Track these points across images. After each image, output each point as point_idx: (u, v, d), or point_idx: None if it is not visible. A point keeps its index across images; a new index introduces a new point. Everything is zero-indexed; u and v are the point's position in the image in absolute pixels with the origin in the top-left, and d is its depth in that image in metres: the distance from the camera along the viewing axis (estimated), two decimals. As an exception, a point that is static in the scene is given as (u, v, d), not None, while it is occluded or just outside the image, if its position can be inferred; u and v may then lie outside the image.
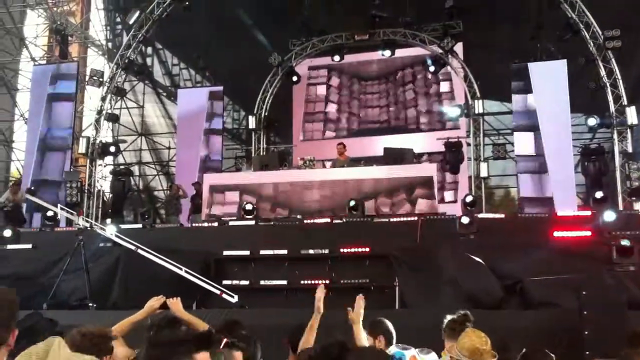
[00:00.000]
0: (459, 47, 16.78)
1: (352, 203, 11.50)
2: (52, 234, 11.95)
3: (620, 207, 12.11)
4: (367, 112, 19.13)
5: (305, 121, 19.29)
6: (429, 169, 12.61)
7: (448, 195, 16.50)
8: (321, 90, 19.42)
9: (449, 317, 4.71)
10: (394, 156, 13.10)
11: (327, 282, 10.23)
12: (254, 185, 12.82)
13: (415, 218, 10.65)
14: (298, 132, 18.91)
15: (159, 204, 17.57)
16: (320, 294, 4.68)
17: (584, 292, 7.38)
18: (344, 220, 11.26)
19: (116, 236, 10.58)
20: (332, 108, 19.30)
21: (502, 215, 11.44)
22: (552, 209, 12.09)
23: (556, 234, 9.36)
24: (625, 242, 8.67)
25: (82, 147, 15.55)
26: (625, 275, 8.39)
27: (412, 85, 18.77)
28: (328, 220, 11.48)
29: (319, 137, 18.92)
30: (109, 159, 16.79)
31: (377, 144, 16.25)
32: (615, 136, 13.40)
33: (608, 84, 13.52)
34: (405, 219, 11.00)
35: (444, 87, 18.34)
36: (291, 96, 19.09)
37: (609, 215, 9.50)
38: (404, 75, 18.88)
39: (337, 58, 17.75)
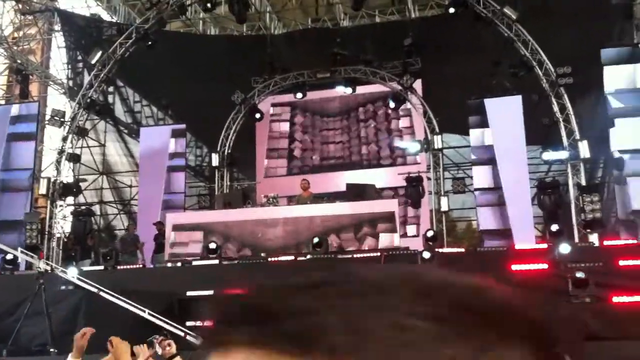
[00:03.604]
0: (417, 84, 17.21)
1: (316, 240, 11.61)
2: (12, 277, 11.76)
3: (576, 240, 12.44)
4: (329, 148, 19.39)
5: (268, 157, 19.41)
6: (390, 204, 12.80)
7: (410, 229, 16.66)
8: (284, 127, 19.60)
9: None
10: (356, 192, 13.31)
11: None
12: (219, 225, 12.86)
13: (378, 254, 10.79)
14: (262, 169, 19.01)
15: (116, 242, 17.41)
16: None
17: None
18: (308, 258, 11.33)
19: (77, 279, 10.48)
20: (296, 145, 19.49)
21: (462, 250, 11.66)
22: (510, 242, 12.35)
23: (514, 267, 9.59)
24: (580, 274, 8.92)
25: (42, 188, 15.37)
26: (582, 307, 8.62)
27: (373, 121, 19.09)
28: (292, 257, 11.56)
29: (283, 174, 19.03)
30: (69, 199, 16.60)
31: (340, 180, 16.45)
32: (569, 170, 13.79)
33: (561, 119, 13.96)
34: (368, 254, 11.13)
35: (404, 122, 18.66)
36: (254, 133, 19.20)
37: (564, 248, 9.78)
38: (365, 112, 19.19)
39: (299, 95, 18.04)
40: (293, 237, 12.55)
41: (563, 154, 13.70)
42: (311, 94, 18.48)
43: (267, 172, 19.11)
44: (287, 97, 18.80)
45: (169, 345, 4.27)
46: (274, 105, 19.43)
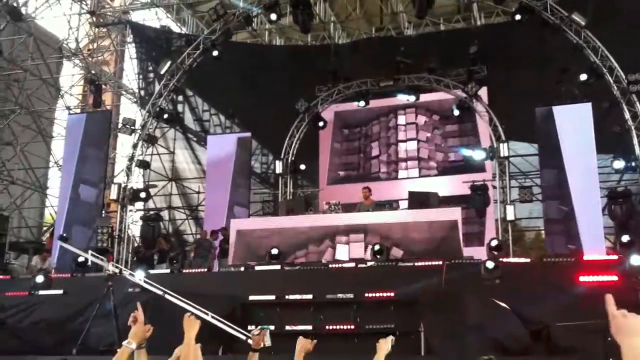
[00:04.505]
0: (483, 91, 16.97)
1: (377, 247, 11.57)
2: (83, 279, 12.22)
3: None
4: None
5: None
6: (454, 213, 12.62)
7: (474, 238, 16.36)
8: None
9: None
10: (419, 200, 13.20)
11: (352, 327, 10.32)
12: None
13: (440, 262, 10.65)
14: (324, 176, 19.07)
15: (188, 246, 17.81)
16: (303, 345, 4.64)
17: (609, 338, 7.29)
18: (369, 265, 11.31)
19: (144, 281, 10.76)
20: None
21: (528, 260, 11.38)
22: (579, 253, 11.98)
23: (582, 278, 9.30)
24: (652, 287, 8.57)
25: (113, 194, 15.90)
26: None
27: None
28: (353, 264, 11.57)
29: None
30: (139, 204, 17.11)
31: (403, 188, 16.38)
32: (641, 179, 13.31)
33: (633, 127, 13.47)
34: (430, 262, 11.00)
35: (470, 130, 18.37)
36: (317, 141, 19.30)
37: (636, 260, 9.41)
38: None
39: (362, 103, 18.08)
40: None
41: (634, 163, 13.21)
42: (374, 102, 18.48)
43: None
44: (352, 106, 18.78)
45: (260, 340, 4.44)
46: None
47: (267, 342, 4.55)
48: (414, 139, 18.82)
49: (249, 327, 10.48)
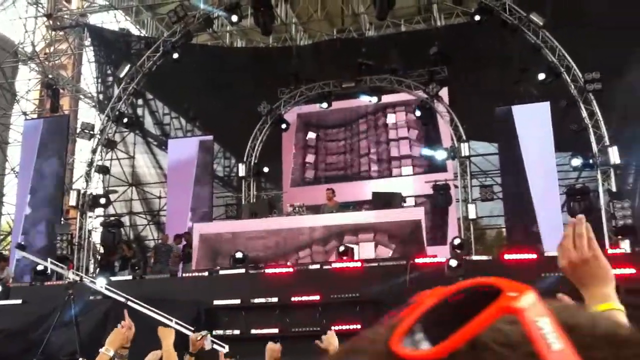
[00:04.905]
0: (444, 92, 17.13)
1: (342, 248, 11.59)
2: (42, 288, 11.96)
3: (607, 247, 12.18)
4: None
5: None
6: (417, 213, 12.72)
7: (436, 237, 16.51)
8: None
9: None
10: (382, 200, 13.26)
11: (318, 329, 10.30)
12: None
13: (404, 262, 10.72)
14: (288, 178, 19.02)
15: (149, 252, 17.58)
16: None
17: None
18: (333, 266, 11.31)
19: (106, 289, 10.59)
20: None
21: (490, 257, 11.53)
22: (539, 250, 12.17)
23: (543, 274, 9.46)
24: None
25: (72, 200, 15.61)
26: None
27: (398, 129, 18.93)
28: (318, 266, 11.56)
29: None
30: (99, 211, 16.82)
31: (367, 189, 16.42)
32: (599, 176, 13.57)
33: (590, 125, 13.75)
34: (394, 262, 11.06)
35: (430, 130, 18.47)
36: (280, 143, 19.24)
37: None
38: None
39: (324, 105, 18.08)
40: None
41: (592, 160, 13.51)
42: (336, 104, 18.50)
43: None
44: (313, 107, 18.79)
45: (201, 344, 4.58)
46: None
47: (208, 346, 4.55)
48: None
49: (215, 332, 10.43)
